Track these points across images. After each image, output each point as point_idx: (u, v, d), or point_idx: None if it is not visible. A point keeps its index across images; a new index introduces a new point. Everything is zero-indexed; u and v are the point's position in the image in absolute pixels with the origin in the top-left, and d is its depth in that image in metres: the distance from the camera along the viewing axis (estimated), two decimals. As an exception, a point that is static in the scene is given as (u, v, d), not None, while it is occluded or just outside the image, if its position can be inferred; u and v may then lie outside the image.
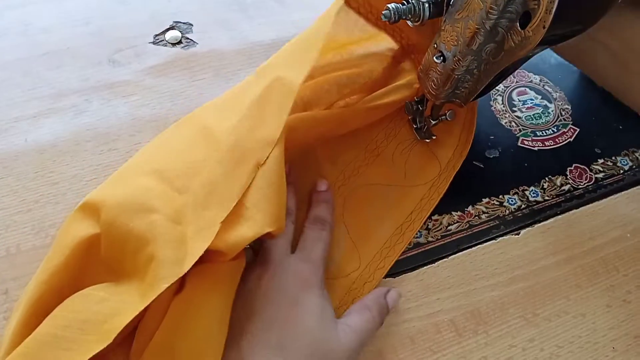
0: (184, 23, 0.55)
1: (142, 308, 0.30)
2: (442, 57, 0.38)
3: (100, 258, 0.34)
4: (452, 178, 0.46)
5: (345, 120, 0.46)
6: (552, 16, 0.30)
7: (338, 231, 0.43)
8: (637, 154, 0.51)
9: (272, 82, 0.40)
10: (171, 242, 0.32)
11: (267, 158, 0.36)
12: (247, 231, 0.34)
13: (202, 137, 0.40)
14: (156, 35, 0.54)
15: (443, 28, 0.37)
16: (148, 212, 0.34)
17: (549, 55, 0.57)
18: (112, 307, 0.31)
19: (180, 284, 0.34)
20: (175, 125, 0.44)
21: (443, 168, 0.47)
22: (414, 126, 0.48)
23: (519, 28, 0.32)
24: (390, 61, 0.49)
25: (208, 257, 0.34)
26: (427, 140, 0.47)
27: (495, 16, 0.33)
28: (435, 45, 0.39)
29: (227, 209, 0.34)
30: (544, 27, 0.31)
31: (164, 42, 0.54)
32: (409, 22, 0.39)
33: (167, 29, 0.54)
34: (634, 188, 0.49)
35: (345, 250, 0.43)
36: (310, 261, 0.39)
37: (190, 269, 0.33)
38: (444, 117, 0.46)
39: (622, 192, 0.49)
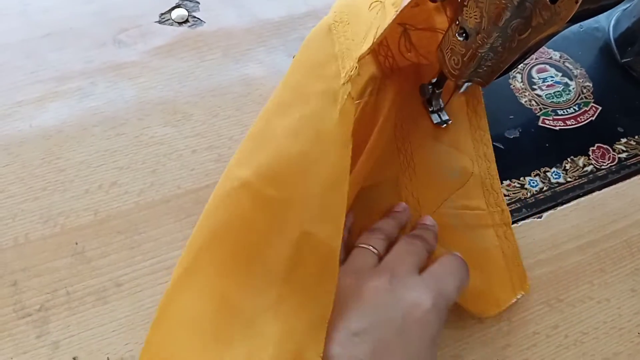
0: (190, 1, 0.53)
1: None
2: (464, 35, 0.36)
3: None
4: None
5: None
6: (586, -11, 0.28)
7: None
8: (660, 133, 0.49)
9: (299, 241, 0.33)
10: None
11: None
12: None
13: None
14: (162, 14, 0.52)
15: (466, 4, 0.35)
16: None
17: (568, 30, 0.55)
18: None
19: None
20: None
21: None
22: (429, 109, 0.46)
23: (548, 3, 0.30)
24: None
25: None
26: (443, 126, 0.45)
27: (524, -10, 0.31)
28: (458, 22, 0.37)
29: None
30: (576, 2, 0.29)
31: (170, 21, 0.51)
32: None
33: (173, 7, 0.52)
34: (658, 168, 0.48)
35: None
36: (441, 295, 0.33)
37: None
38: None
39: (646, 173, 0.47)
